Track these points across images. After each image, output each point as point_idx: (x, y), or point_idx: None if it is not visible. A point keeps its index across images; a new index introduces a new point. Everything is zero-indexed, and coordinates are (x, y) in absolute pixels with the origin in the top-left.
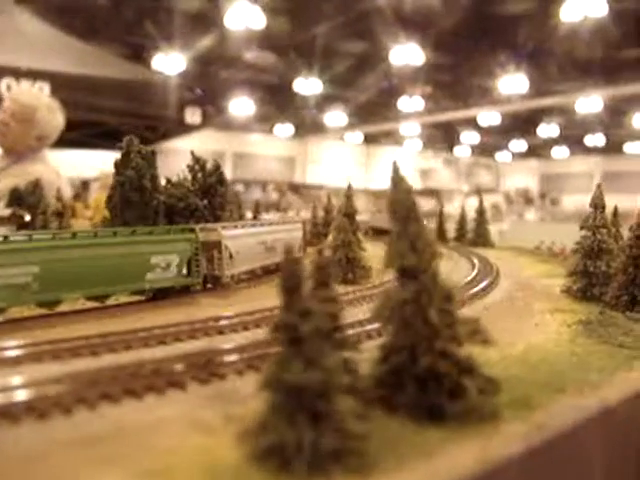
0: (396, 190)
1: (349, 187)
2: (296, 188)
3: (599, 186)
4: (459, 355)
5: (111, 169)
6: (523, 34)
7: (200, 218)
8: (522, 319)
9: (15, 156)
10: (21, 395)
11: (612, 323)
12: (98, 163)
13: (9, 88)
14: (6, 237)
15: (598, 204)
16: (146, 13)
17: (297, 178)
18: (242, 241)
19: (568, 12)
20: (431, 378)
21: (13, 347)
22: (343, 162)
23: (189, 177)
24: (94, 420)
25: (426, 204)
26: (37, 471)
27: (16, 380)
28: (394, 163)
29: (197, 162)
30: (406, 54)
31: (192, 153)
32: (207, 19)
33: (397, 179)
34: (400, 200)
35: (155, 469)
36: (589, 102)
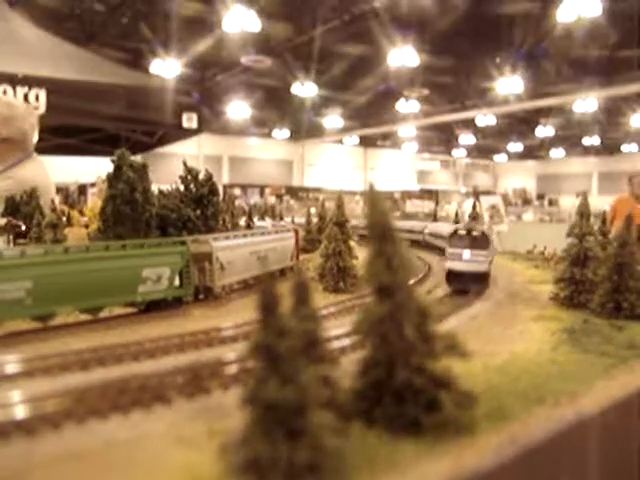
0: (373, 211)
1: (339, 197)
2: (294, 191)
3: (584, 194)
4: (435, 369)
5: (108, 174)
6: (519, 35)
7: (193, 229)
8: (508, 328)
9: (6, 162)
10: (11, 412)
11: (595, 331)
12: (95, 169)
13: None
14: None
15: (584, 212)
16: (142, 18)
17: (295, 181)
18: (234, 252)
19: (563, 12)
20: (408, 392)
21: (9, 361)
22: (341, 165)
23: (182, 187)
24: (82, 436)
25: (424, 206)
26: None
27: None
28: (370, 185)
29: (189, 172)
30: (402, 56)
31: (184, 163)
32: (204, 23)
33: (374, 200)
34: (377, 221)
35: None
36: (586, 103)
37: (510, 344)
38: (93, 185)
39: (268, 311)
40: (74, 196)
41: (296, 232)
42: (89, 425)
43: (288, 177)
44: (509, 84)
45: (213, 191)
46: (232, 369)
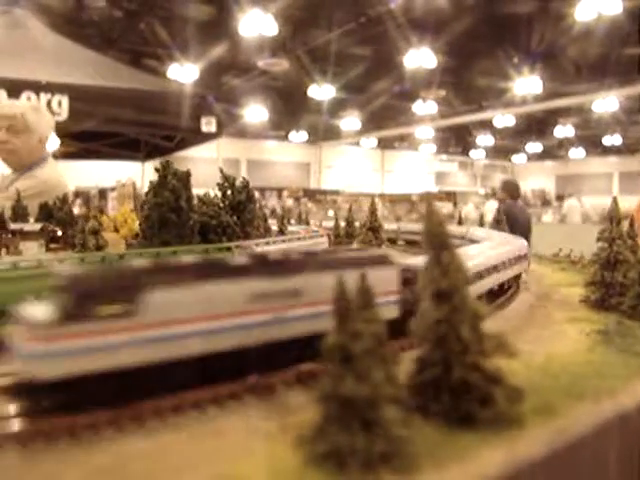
0: (430, 221)
1: (373, 202)
2: (312, 194)
3: (615, 199)
4: (488, 367)
5: (129, 179)
6: (537, 34)
7: (232, 235)
8: (543, 329)
9: (25, 168)
10: None
11: (629, 333)
12: (115, 173)
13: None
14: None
15: (614, 217)
16: (160, 23)
17: (312, 184)
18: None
19: (582, 11)
20: (463, 388)
21: None
22: (358, 167)
23: (219, 194)
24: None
25: (443, 207)
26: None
27: None
28: (427, 197)
29: (226, 180)
30: (419, 58)
31: (221, 170)
32: (221, 27)
33: (430, 211)
34: (434, 231)
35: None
36: (606, 102)
37: (547, 345)
38: (113, 189)
39: (342, 315)
40: (94, 200)
41: (329, 237)
42: None
43: (305, 179)
44: (527, 84)
45: (250, 198)
46: None
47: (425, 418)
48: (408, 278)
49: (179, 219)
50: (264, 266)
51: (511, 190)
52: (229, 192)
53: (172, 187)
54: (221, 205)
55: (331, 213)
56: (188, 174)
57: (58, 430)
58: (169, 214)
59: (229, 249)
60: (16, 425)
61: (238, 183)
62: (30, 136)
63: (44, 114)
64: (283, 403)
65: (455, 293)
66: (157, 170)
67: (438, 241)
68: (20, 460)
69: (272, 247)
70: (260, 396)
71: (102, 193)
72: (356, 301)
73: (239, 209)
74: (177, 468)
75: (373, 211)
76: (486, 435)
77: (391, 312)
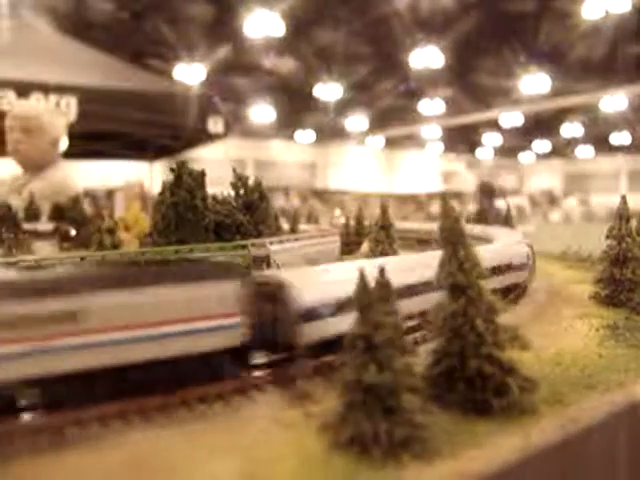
0: (446, 219)
1: (383, 203)
2: (318, 194)
3: (624, 197)
4: (502, 358)
5: (137, 179)
6: (544, 33)
7: (245, 233)
8: (553, 324)
9: (37, 169)
10: None
11: (638, 328)
12: (122, 173)
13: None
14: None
15: (623, 214)
16: (167, 24)
17: (319, 184)
18: (287, 254)
19: (590, 9)
20: (479, 378)
21: None
22: (365, 166)
23: (232, 193)
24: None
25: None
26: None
27: None
28: (443, 196)
29: (239, 179)
30: (426, 57)
31: (234, 170)
32: (226, 28)
33: (447, 209)
34: (450, 228)
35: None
36: (614, 100)
37: (558, 339)
38: (121, 190)
39: (365, 307)
40: (102, 200)
41: (340, 235)
42: None
43: (312, 179)
44: (535, 82)
45: (262, 197)
46: None
47: (441, 407)
48: (268, 295)
49: (195, 218)
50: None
51: (487, 191)
52: (242, 191)
53: (188, 186)
54: (234, 204)
55: (337, 212)
56: (203, 174)
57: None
58: (185, 213)
59: (244, 247)
60: None
61: (251, 183)
62: (43, 138)
63: (59, 116)
64: (304, 393)
65: (471, 287)
66: (172, 170)
67: (454, 237)
68: None
69: (286, 245)
70: (281, 386)
71: (109, 193)
72: (375, 295)
73: (252, 208)
74: (212, 452)
75: (385, 210)
76: (501, 423)
77: (221, 340)
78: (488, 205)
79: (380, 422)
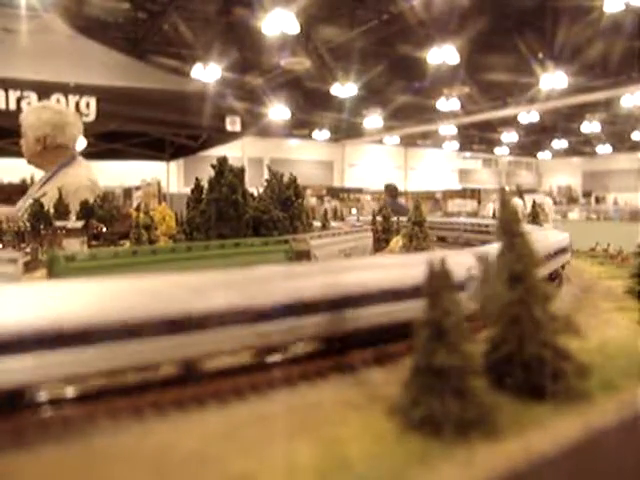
0: (504, 210)
1: (417, 200)
2: (335, 192)
3: None
4: (558, 344)
5: (154, 178)
6: (562, 28)
7: (282, 229)
8: (592, 317)
9: (55, 167)
10: None
11: None
12: (139, 173)
13: (58, 102)
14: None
15: None
16: (183, 24)
17: (335, 182)
18: (326, 249)
19: (609, 3)
20: (536, 364)
21: None
22: (381, 165)
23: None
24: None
25: (466, 205)
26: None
27: None
28: (502, 188)
29: (274, 176)
30: (442, 54)
31: (269, 168)
32: (243, 27)
33: (505, 201)
34: (508, 219)
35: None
36: (635, 97)
37: (599, 330)
38: (138, 188)
39: (435, 293)
40: (119, 199)
41: (373, 231)
42: None
43: (329, 178)
44: (552, 79)
45: (297, 194)
46: None
47: (500, 392)
48: None
49: (236, 213)
50: None
51: (391, 191)
52: (277, 188)
53: (229, 182)
54: (269, 201)
55: (354, 211)
56: (243, 170)
57: None
58: (226, 208)
59: (287, 242)
60: None
61: (286, 179)
62: (66, 134)
63: (77, 121)
64: (367, 379)
65: (527, 276)
66: (213, 167)
67: (511, 229)
68: None
69: (324, 240)
70: (344, 373)
71: (127, 192)
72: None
73: (287, 204)
74: (288, 434)
75: (418, 206)
76: (559, 407)
77: None
78: (391, 203)
79: (451, 403)
